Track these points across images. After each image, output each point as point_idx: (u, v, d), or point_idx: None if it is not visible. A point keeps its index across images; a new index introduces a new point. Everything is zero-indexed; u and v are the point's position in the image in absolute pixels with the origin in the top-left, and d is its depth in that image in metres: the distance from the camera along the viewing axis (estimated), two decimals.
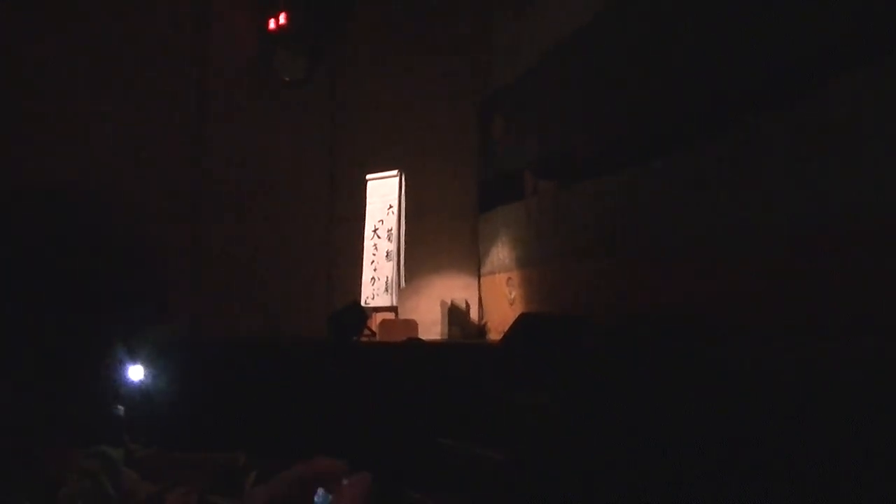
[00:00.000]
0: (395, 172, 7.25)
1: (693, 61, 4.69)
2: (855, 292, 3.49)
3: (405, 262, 7.14)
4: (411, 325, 6.93)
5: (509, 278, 7.04)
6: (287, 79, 8.01)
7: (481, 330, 7.58)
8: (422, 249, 7.55)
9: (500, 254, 7.28)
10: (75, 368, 1.08)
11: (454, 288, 7.76)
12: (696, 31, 4.69)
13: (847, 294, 3.52)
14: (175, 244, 7.97)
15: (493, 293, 7.44)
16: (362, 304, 7.15)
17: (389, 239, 7.18)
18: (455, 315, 7.51)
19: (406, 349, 5.94)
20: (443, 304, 7.60)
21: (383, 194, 7.34)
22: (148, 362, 6.22)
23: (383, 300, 7.13)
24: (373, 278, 7.29)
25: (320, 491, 1.62)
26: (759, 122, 4.12)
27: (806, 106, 3.81)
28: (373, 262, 7.32)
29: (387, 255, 7.18)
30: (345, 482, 1.61)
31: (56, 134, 7.77)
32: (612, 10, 5.61)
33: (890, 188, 3.34)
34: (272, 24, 7.91)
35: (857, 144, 3.55)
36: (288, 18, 7.82)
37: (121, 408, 2.98)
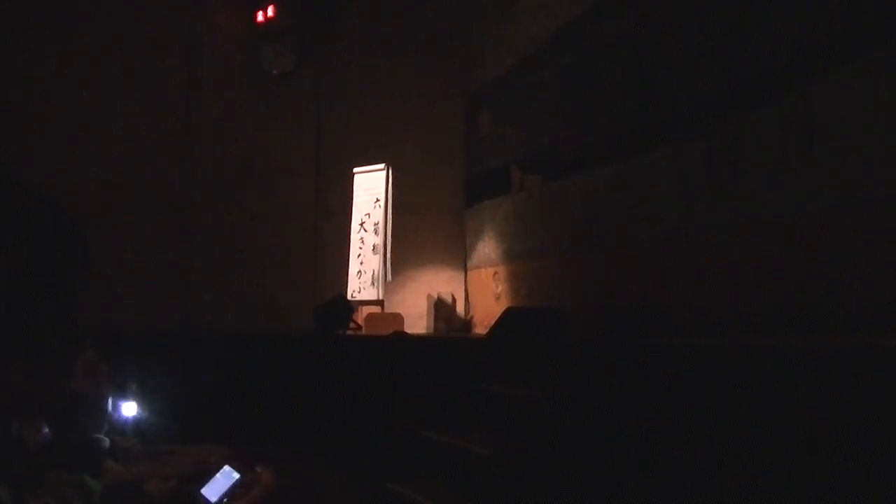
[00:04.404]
0: (381, 166, 7.24)
1: (678, 58, 4.72)
2: (837, 286, 3.53)
3: (391, 256, 7.14)
4: (397, 318, 6.93)
5: (495, 273, 7.05)
6: (274, 72, 8.00)
7: (467, 324, 7.59)
8: (408, 243, 7.55)
9: (487, 248, 7.30)
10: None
11: (440, 282, 7.77)
12: (680, 29, 4.71)
13: (828, 287, 3.56)
14: (164, 235, 7.98)
15: (480, 287, 7.46)
16: (348, 297, 7.15)
17: (376, 232, 7.18)
18: (441, 309, 7.52)
19: (392, 343, 5.95)
20: (429, 298, 7.60)
21: (370, 188, 7.34)
22: (135, 357, 6.22)
23: (369, 294, 7.13)
24: (359, 272, 7.28)
25: (226, 468, 1.67)
26: (743, 119, 4.16)
27: (789, 104, 3.85)
28: (359, 255, 7.31)
29: (373, 249, 7.18)
30: (258, 469, 1.66)
31: (45, 126, 7.76)
32: (597, 7, 5.63)
33: (872, 182, 3.39)
34: (260, 17, 7.88)
35: (840, 140, 3.59)
36: (276, 12, 7.80)
37: (105, 439, 2.99)
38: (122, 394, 3.62)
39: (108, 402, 3.14)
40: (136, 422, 3.96)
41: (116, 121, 7.90)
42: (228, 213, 8.02)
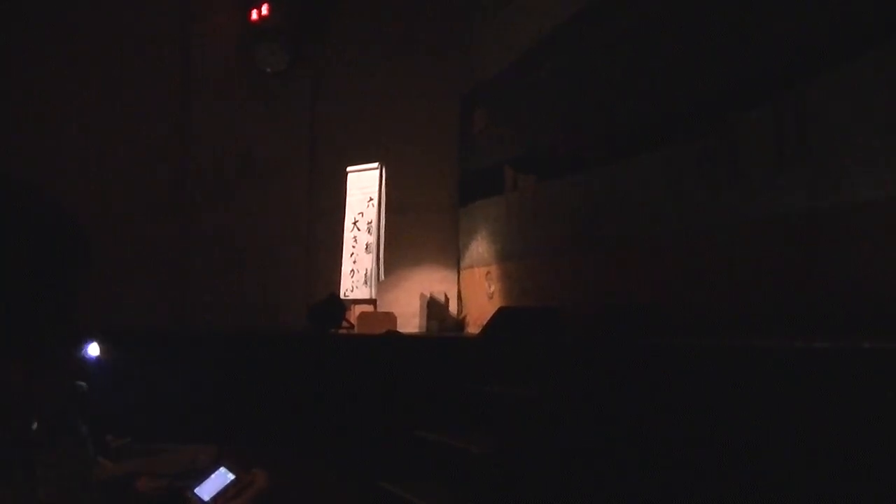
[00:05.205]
0: (375, 165, 7.23)
1: (675, 58, 4.71)
2: (835, 286, 3.53)
3: (384, 255, 7.13)
4: (390, 317, 6.91)
5: (488, 272, 7.04)
6: (268, 70, 7.99)
7: (460, 323, 7.58)
8: (401, 242, 7.54)
9: (480, 248, 7.28)
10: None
11: (433, 281, 7.76)
12: (678, 29, 4.71)
13: (826, 287, 3.56)
14: (164, 235, 7.97)
15: (472, 287, 7.45)
16: (341, 296, 7.14)
17: (369, 231, 7.17)
18: (434, 308, 7.50)
19: (385, 342, 5.93)
20: (422, 297, 7.59)
21: (363, 187, 7.33)
22: (129, 353, 6.22)
23: (362, 292, 7.12)
24: (352, 270, 7.27)
25: (221, 469, 1.67)
26: (741, 119, 4.15)
27: (786, 104, 3.85)
28: (352, 254, 7.30)
29: (366, 248, 7.17)
30: (254, 470, 1.66)
31: (45, 126, 7.74)
32: (593, 7, 5.61)
33: (869, 182, 3.39)
34: (254, 16, 7.86)
35: (838, 141, 3.59)
36: (270, 10, 7.78)
37: (83, 384, 3.00)
38: (88, 338, 3.68)
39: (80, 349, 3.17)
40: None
41: (116, 121, 7.91)
42: (228, 213, 8.01)
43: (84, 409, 2.66)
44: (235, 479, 1.65)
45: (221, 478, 1.67)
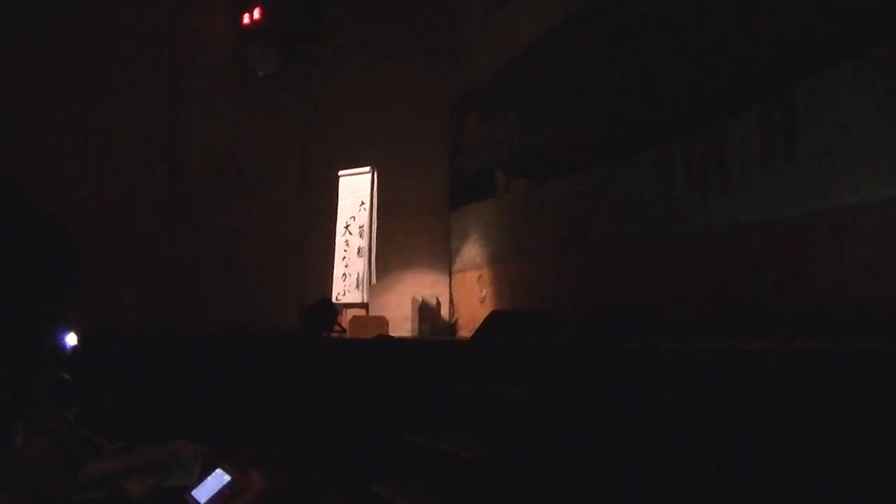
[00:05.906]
0: (367, 169, 7.24)
1: (664, 63, 4.73)
2: (820, 286, 3.56)
3: (376, 259, 7.14)
4: (382, 321, 6.92)
5: (480, 276, 7.06)
6: (260, 73, 7.99)
7: (452, 327, 7.59)
8: (393, 246, 7.55)
9: (472, 251, 7.30)
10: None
11: (425, 285, 7.77)
12: (670, 32, 4.72)
13: (813, 289, 3.59)
14: (163, 236, 7.96)
15: (464, 290, 7.46)
16: (333, 300, 7.14)
17: (361, 235, 7.18)
18: (426, 312, 7.51)
19: (376, 346, 5.94)
20: (413, 301, 7.60)
21: (355, 191, 7.33)
22: (125, 353, 6.21)
23: (354, 296, 7.13)
24: (344, 274, 7.28)
25: (218, 471, 1.68)
26: (733, 121, 4.17)
27: (777, 106, 3.88)
28: (344, 258, 7.31)
29: (358, 252, 7.18)
30: (251, 471, 1.67)
31: (45, 126, 7.72)
32: (587, 9, 5.63)
33: (861, 184, 3.42)
34: (246, 19, 7.86)
35: (824, 144, 3.62)
36: (262, 14, 7.78)
37: (65, 375, 3.01)
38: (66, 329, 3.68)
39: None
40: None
41: (116, 121, 7.89)
42: (227, 213, 8.00)
43: (68, 399, 2.67)
44: (232, 480, 1.66)
45: (218, 479, 1.68)
